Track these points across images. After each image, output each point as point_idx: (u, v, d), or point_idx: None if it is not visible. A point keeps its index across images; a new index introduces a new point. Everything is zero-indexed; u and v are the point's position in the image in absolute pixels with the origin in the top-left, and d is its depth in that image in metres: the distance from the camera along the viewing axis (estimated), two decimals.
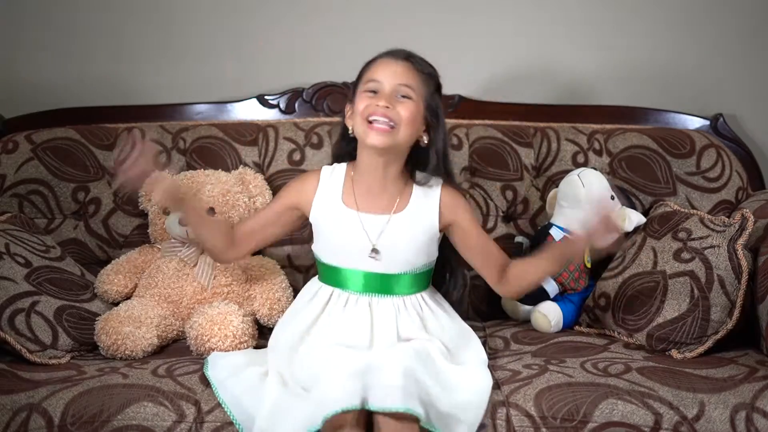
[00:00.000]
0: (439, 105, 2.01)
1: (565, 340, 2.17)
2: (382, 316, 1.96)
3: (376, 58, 1.99)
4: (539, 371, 1.94)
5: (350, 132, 2.00)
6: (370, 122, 1.92)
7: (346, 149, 2.06)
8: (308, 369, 1.84)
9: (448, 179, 2.04)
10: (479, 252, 2.03)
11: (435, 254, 2.04)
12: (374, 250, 1.96)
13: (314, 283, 2.06)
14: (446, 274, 2.10)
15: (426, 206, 2.00)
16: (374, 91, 1.94)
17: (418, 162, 2.02)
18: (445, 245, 2.06)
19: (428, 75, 1.99)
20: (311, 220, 2.03)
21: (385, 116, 1.91)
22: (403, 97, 1.94)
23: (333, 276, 2.01)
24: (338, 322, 1.96)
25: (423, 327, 1.98)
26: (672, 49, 2.71)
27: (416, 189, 2.01)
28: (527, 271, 2.01)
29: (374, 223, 1.98)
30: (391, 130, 1.92)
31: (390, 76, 1.94)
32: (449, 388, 1.82)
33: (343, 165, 2.05)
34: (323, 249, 2.03)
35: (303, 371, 1.86)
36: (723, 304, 2.07)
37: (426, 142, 1.99)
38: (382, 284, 1.98)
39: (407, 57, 1.98)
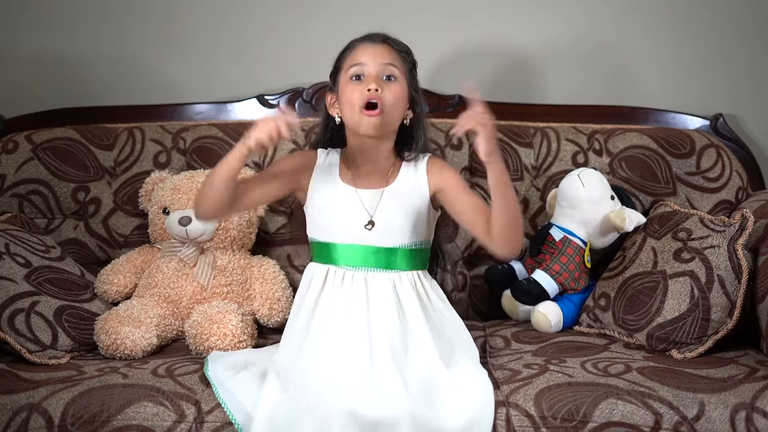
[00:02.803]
0: (418, 81, 2.08)
1: (565, 340, 2.17)
2: (378, 291, 1.98)
3: (353, 44, 2.05)
4: (539, 371, 1.94)
5: (337, 121, 2.05)
6: (363, 109, 1.96)
7: (328, 142, 2.11)
8: (314, 395, 1.81)
9: (434, 153, 2.13)
10: (470, 209, 2.01)
11: (430, 233, 2.08)
12: (370, 222, 2.00)
13: (309, 267, 2.08)
14: (436, 253, 2.13)
15: (415, 177, 2.05)
16: (358, 77, 1.99)
17: (404, 141, 2.08)
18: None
19: (406, 53, 2.05)
20: (308, 197, 2.05)
21: (375, 98, 1.96)
22: (389, 78, 2.00)
23: (328, 253, 2.03)
24: (336, 301, 1.98)
25: (422, 309, 1.99)
26: (672, 49, 2.71)
27: (405, 164, 2.07)
28: (492, 207, 1.93)
29: (370, 197, 2.03)
30: (381, 114, 1.97)
31: (372, 58, 2.00)
32: (454, 412, 1.81)
33: (337, 150, 2.11)
34: (319, 227, 2.05)
35: (306, 388, 1.83)
36: (723, 304, 2.07)
37: (410, 119, 2.05)
38: (377, 258, 2.00)
39: (385, 39, 2.04)
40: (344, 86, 2.01)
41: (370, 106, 1.96)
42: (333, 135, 2.10)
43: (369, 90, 1.96)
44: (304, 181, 2.06)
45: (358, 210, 2.02)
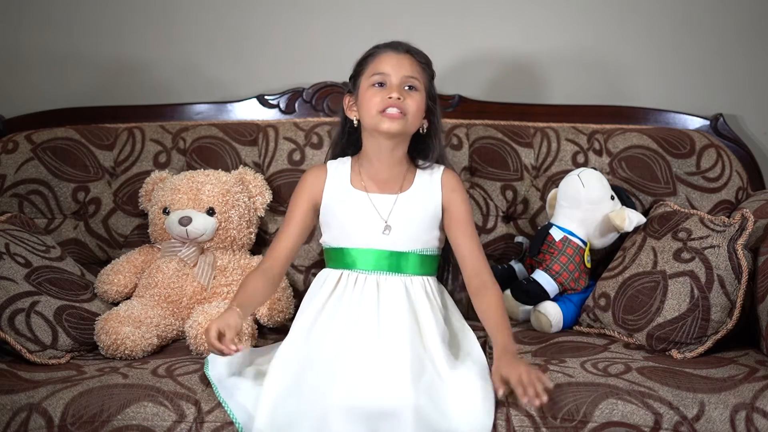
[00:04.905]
0: (435, 92, 2.14)
1: (565, 340, 2.17)
2: (390, 292, 2.01)
3: (377, 50, 2.09)
4: (539, 371, 1.94)
5: (355, 123, 2.10)
6: (382, 111, 2.02)
7: (345, 145, 2.16)
8: (317, 385, 1.82)
9: (449, 165, 2.16)
10: (461, 255, 2.08)
11: (441, 241, 2.11)
12: (387, 227, 2.05)
13: (323, 272, 2.11)
14: (446, 257, 2.16)
15: (430, 185, 2.11)
16: (381, 84, 2.04)
17: (417, 149, 2.13)
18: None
19: (426, 65, 2.12)
20: (322, 208, 2.10)
21: (398, 107, 2.01)
22: (409, 87, 2.05)
23: (343, 258, 2.07)
24: (347, 300, 2.01)
25: (431, 311, 2.01)
26: (672, 49, 2.71)
27: (419, 172, 2.12)
28: (487, 322, 2.01)
29: (384, 202, 2.08)
30: (403, 117, 2.02)
31: (396, 69, 2.05)
32: (456, 413, 1.82)
33: (348, 157, 2.15)
34: (335, 234, 2.09)
35: (306, 385, 1.84)
36: (723, 304, 2.07)
37: (425, 128, 2.11)
38: (390, 262, 2.04)
39: (408, 50, 2.09)
40: (365, 91, 2.05)
41: (391, 111, 2.01)
42: (349, 137, 2.14)
43: (391, 98, 2.01)
44: (319, 197, 2.11)
45: (372, 215, 2.06)
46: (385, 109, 2.01)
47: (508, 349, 1.91)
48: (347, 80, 2.14)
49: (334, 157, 2.17)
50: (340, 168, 2.13)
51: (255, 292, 2.04)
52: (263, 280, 2.06)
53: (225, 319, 1.88)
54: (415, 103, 2.04)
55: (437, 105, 2.13)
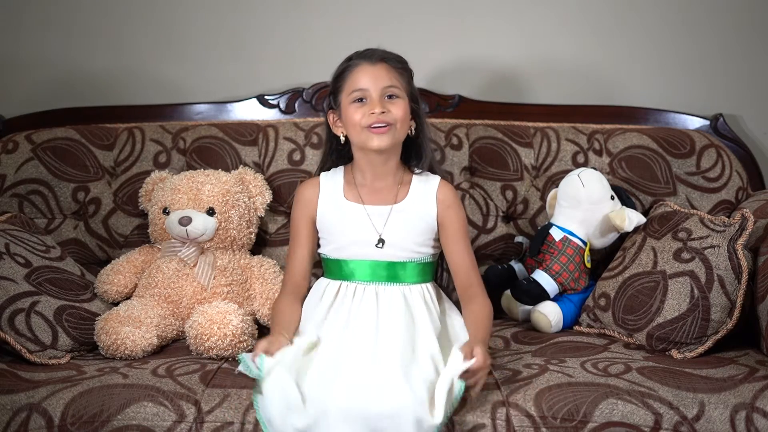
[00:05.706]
0: (416, 90, 2.09)
1: (565, 340, 2.17)
2: (388, 301, 2.01)
3: (351, 64, 2.05)
4: (539, 371, 1.94)
5: (341, 140, 2.08)
6: (369, 127, 1.99)
7: (335, 157, 2.14)
8: (317, 393, 1.83)
9: (442, 173, 2.14)
10: (454, 265, 2.08)
11: (438, 245, 2.10)
12: (380, 241, 2.04)
13: (321, 282, 2.11)
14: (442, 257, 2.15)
15: (424, 198, 2.08)
16: (361, 99, 2.02)
17: (410, 151, 2.11)
18: None
19: (403, 68, 2.07)
20: (318, 223, 2.10)
21: (383, 121, 1.99)
22: (390, 96, 2.01)
23: (341, 270, 2.07)
24: (347, 310, 2.01)
25: (430, 318, 2.01)
26: (672, 49, 2.71)
27: (415, 179, 2.10)
28: (471, 326, 2.01)
29: (379, 214, 2.06)
30: (390, 129, 2.00)
31: (374, 81, 2.01)
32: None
33: (341, 168, 2.14)
34: (332, 246, 2.09)
35: (312, 379, 1.85)
36: (723, 304, 2.07)
37: (414, 130, 2.08)
38: (388, 272, 2.04)
39: (382, 57, 2.04)
40: (347, 108, 2.03)
41: (378, 126, 1.99)
42: (339, 151, 2.12)
43: (374, 113, 1.98)
44: (314, 213, 2.10)
45: (367, 227, 2.05)
46: (371, 125, 1.99)
47: (484, 341, 1.94)
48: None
49: (326, 169, 2.15)
50: (332, 180, 2.11)
51: (293, 316, 2.05)
52: (294, 301, 2.08)
53: (277, 342, 1.90)
54: (400, 110, 2.01)
55: (420, 104, 2.09)
